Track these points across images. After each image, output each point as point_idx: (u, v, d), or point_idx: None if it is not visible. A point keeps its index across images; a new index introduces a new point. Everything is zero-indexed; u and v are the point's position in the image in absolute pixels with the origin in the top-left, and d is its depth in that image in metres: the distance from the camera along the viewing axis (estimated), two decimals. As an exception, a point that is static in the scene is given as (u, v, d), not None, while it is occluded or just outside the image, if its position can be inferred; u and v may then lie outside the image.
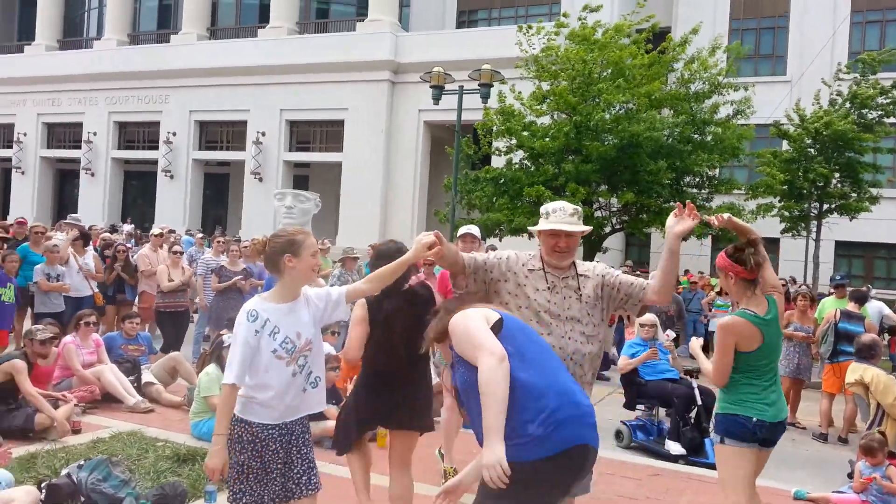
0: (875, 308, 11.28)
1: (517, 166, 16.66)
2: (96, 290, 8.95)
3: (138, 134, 29.45)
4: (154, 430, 5.98)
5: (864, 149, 17.42)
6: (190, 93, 27.15)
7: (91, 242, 10.21)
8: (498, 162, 18.24)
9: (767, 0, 26.00)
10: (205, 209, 28.77)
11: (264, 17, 27.93)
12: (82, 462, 4.36)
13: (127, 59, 28.50)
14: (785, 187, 17.65)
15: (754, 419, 3.56)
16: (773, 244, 23.54)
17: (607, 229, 16.85)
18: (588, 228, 3.60)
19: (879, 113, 17.65)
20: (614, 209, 17.09)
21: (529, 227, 3.66)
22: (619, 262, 20.73)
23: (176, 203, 27.36)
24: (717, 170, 17.81)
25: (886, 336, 10.93)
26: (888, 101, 17.41)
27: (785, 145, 19.27)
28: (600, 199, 16.49)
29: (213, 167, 29.45)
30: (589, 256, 16.25)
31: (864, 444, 5.59)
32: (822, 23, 24.49)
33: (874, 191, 17.94)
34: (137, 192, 30.67)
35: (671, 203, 16.13)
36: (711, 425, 4.02)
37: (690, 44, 16.60)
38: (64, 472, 4.38)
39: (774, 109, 20.56)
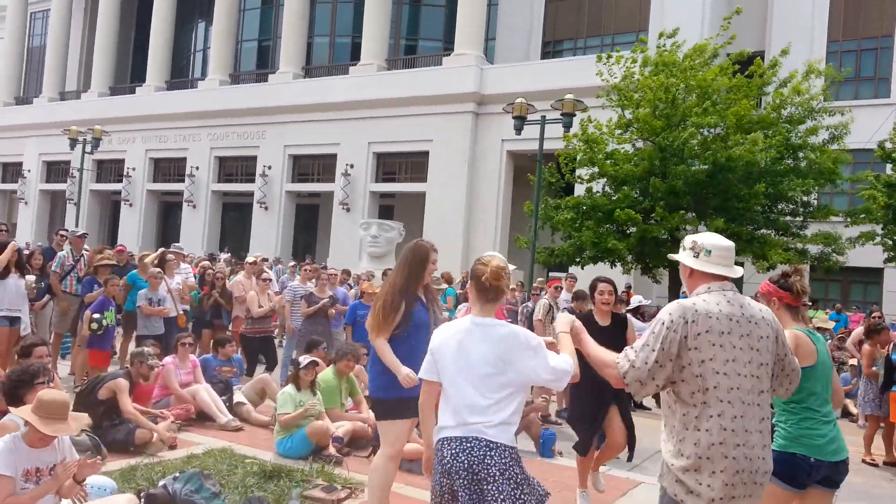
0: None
1: (599, 193, 16.57)
2: (181, 311, 9.48)
3: (236, 168, 31.09)
4: (243, 447, 6.31)
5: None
6: (285, 128, 28.52)
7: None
8: (580, 190, 18.21)
9: (869, 20, 24.96)
10: (295, 238, 29.94)
11: (356, 56, 29.07)
12: (177, 474, 4.70)
13: (228, 98, 30.27)
14: (889, 213, 16.77)
15: (812, 459, 3.40)
16: (875, 274, 22.31)
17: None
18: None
19: None
20: (702, 238, 16.67)
21: (688, 262, 2.98)
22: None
23: (269, 232, 28.63)
24: (814, 196, 17.13)
25: None
26: None
27: (888, 169, 18.35)
28: (688, 226, 16.18)
29: (304, 198, 30.66)
30: (675, 287, 15.91)
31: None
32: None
33: None
34: (234, 223, 32.24)
35: (763, 231, 15.62)
36: None
37: (781, 66, 16.15)
38: (161, 483, 4.72)
39: (875, 133, 19.65)
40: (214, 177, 31.18)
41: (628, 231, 15.74)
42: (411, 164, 26.70)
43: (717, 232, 15.20)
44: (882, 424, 8.59)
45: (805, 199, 16.52)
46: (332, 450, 6.24)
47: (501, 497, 2.83)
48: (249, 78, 32.60)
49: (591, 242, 15.65)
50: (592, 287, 5.38)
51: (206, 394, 7.12)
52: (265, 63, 32.84)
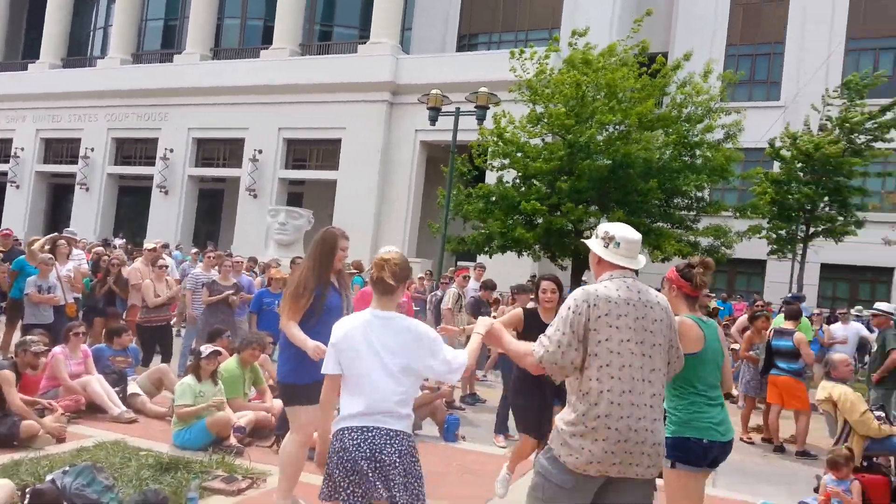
0: (854, 329, 11.52)
1: (509, 184, 16.90)
2: (71, 300, 9.04)
3: (136, 150, 29.76)
4: (137, 439, 6.09)
5: (853, 173, 17.69)
6: (189, 111, 27.51)
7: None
8: (491, 178, 18.49)
9: (764, 27, 26.45)
10: (197, 225, 29.00)
11: (267, 39, 28.36)
12: (67, 468, 4.48)
13: (129, 78, 28.92)
14: (774, 208, 17.89)
15: (704, 440, 3.60)
16: (759, 266, 23.77)
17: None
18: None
19: (868, 137, 17.95)
20: (604, 229, 17.29)
21: (598, 250, 3.15)
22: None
23: (169, 218, 27.61)
24: (707, 191, 18.06)
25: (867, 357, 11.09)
26: (875, 125, 17.72)
27: (775, 167, 19.56)
28: (591, 218, 16.72)
29: (208, 183, 29.72)
30: (578, 273, 16.46)
31: (831, 459, 5.75)
32: (817, 50, 24.91)
33: (860, 215, 18.19)
34: (131, 207, 30.89)
35: (660, 223, 16.37)
36: None
37: (683, 68, 16.91)
38: (48, 477, 4.49)
39: (765, 133, 20.88)
40: (111, 159, 29.77)
41: (535, 222, 16.13)
42: (323, 152, 26.33)
43: (618, 222, 15.98)
44: (760, 405, 9.24)
45: (699, 194, 17.38)
46: (233, 440, 6.12)
47: (399, 481, 2.96)
48: (153, 58, 31.23)
49: (499, 232, 15.95)
50: (536, 285, 5.43)
51: (98, 385, 6.83)
52: (171, 43, 31.53)
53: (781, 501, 5.80)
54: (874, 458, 6.41)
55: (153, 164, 28.32)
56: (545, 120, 16.52)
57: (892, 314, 8.16)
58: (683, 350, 3.48)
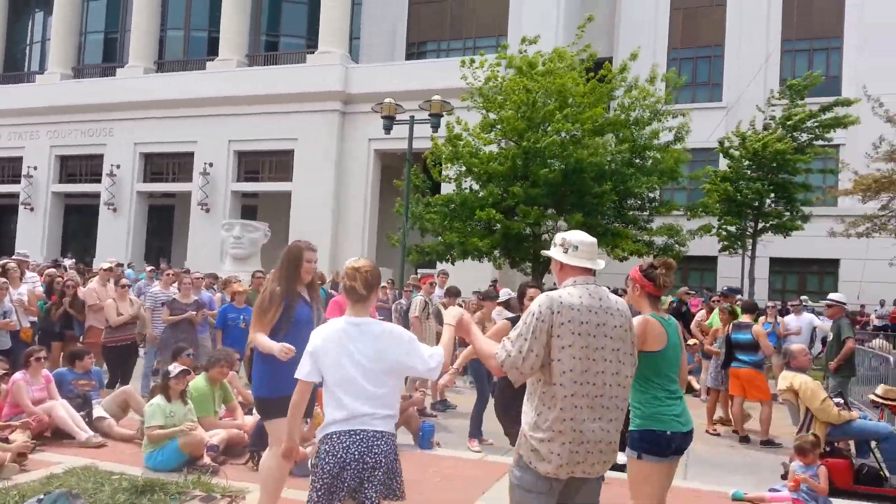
0: (806, 320, 11.94)
1: (467, 190, 17.01)
2: (27, 325, 8.78)
3: (80, 167, 28.96)
4: (108, 464, 5.94)
5: (797, 170, 18.35)
6: (135, 125, 26.91)
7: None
8: (447, 189, 18.59)
9: (704, 30, 27.25)
10: (148, 242, 28.38)
11: (213, 51, 27.98)
12: (41, 497, 4.37)
13: (70, 93, 28.15)
14: (724, 206, 18.42)
15: (668, 432, 3.74)
16: (710, 262, 24.44)
17: (555, 251, 17.28)
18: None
19: (810, 136, 18.66)
20: (561, 231, 17.54)
21: (558, 257, 3.27)
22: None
23: (118, 236, 26.93)
24: (658, 192, 18.49)
25: (820, 346, 11.50)
26: (816, 124, 18.42)
27: (723, 165, 20.15)
28: (549, 221, 16.93)
29: (158, 199, 29.10)
30: (538, 277, 16.64)
31: (798, 446, 5.96)
32: (755, 52, 25.79)
33: (806, 209, 18.87)
34: (77, 226, 30.07)
35: (615, 224, 16.70)
36: None
37: (629, 70, 17.30)
38: (21, 506, 4.38)
39: (711, 134, 21.50)
40: (55, 177, 28.91)
41: (493, 228, 16.26)
42: (275, 163, 26.05)
43: (577, 225, 16.23)
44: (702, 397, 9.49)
45: (651, 195, 17.79)
46: (206, 459, 6.03)
47: (380, 479, 3.12)
48: (94, 72, 30.50)
49: (458, 241, 16.06)
50: (522, 293, 5.47)
51: (63, 410, 6.63)
52: (112, 56, 30.82)
53: (751, 489, 5.97)
54: (836, 443, 6.67)
55: (100, 180, 27.59)
56: (498, 126, 16.69)
57: (844, 304, 8.49)
58: (647, 348, 3.71)
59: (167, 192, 28.55)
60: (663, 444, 3.74)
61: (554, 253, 3.30)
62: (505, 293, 9.61)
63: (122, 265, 15.00)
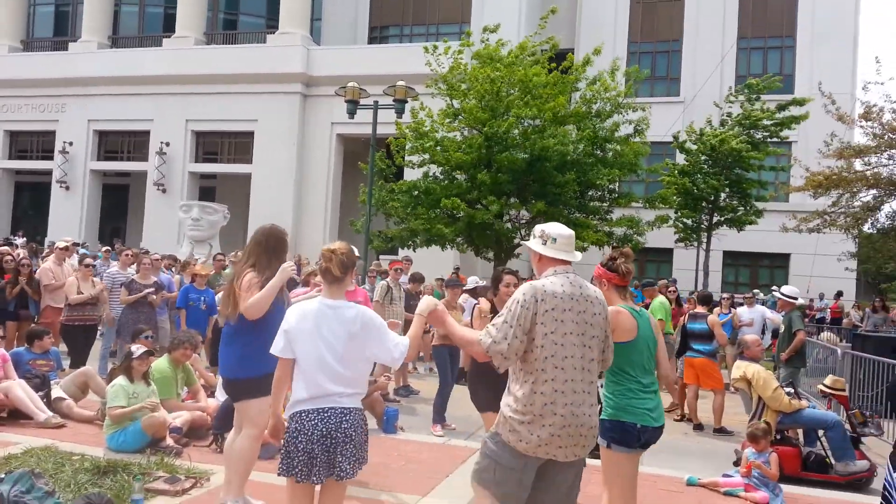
0: (759, 312, 12.33)
1: (431, 179, 17.03)
2: None
3: (31, 143, 28.04)
4: (68, 444, 5.85)
5: (751, 166, 18.85)
6: (89, 101, 26.12)
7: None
8: (411, 175, 18.57)
9: (663, 25, 27.66)
10: (102, 221, 27.64)
11: (169, 27, 27.30)
12: (2, 476, 4.28)
13: (20, 66, 27.14)
14: (679, 199, 18.84)
15: (638, 425, 3.81)
16: (667, 254, 24.98)
17: (517, 239, 17.45)
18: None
19: (765, 133, 19.17)
20: (523, 220, 17.73)
21: (537, 248, 3.36)
22: (529, 271, 21.36)
23: (71, 215, 26.17)
24: (617, 184, 18.80)
25: (770, 337, 11.89)
26: (772, 122, 18.92)
27: (680, 159, 20.58)
28: (511, 210, 17.06)
29: (113, 178, 28.38)
30: (503, 263, 16.79)
31: (751, 433, 6.19)
32: (711, 48, 26.31)
33: (760, 205, 19.41)
34: (28, 204, 29.15)
35: (577, 214, 16.94)
36: None
37: (592, 64, 17.50)
38: (-19, 486, 4.28)
39: (669, 128, 21.90)
40: (5, 153, 27.93)
41: (457, 216, 16.33)
42: (235, 144, 25.62)
43: (539, 214, 16.42)
44: (676, 386, 9.74)
45: (611, 186, 18.07)
46: (170, 441, 5.99)
47: (352, 452, 3.25)
48: (45, 45, 29.46)
49: (422, 228, 16.08)
50: (497, 278, 5.45)
51: (21, 390, 6.50)
52: (64, 30, 29.82)
53: (705, 475, 6.18)
54: (785, 432, 6.94)
55: (52, 157, 26.74)
56: (461, 115, 16.74)
57: (795, 298, 8.80)
58: (617, 338, 3.78)
59: (122, 171, 27.86)
60: (632, 437, 3.82)
61: (533, 244, 3.39)
62: (472, 281, 9.70)
63: (78, 244, 14.63)
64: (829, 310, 21.04)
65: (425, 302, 3.51)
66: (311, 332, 3.30)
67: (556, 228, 3.38)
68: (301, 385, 3.32)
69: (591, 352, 3.22)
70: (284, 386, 3.47)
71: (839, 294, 20.92)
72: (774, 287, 9.83)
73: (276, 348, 3.37)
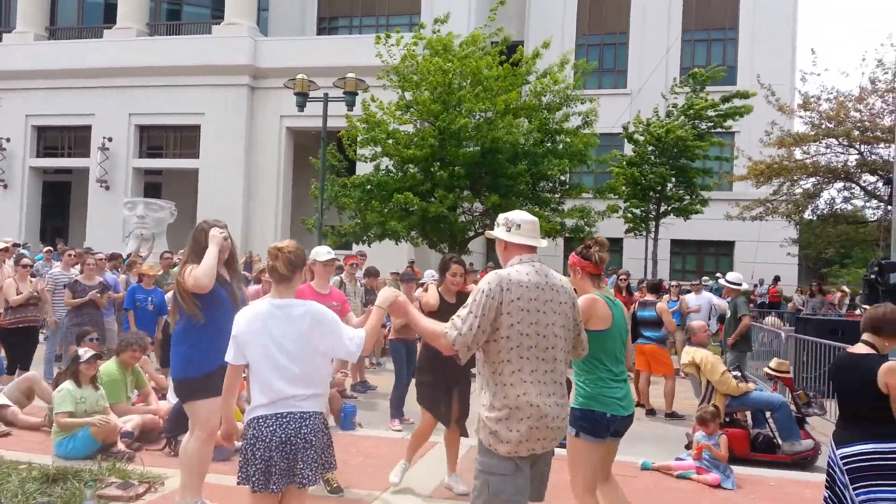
0: (706, 298, 12.65)
1: (384, 172, 16.96)
2: None
3: (-35, 140, 26.91)
4: (14, 453, 5.67)
5: (696, 155, 19.28)
6: (26, 95, 25.18)
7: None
8: (363, 168, 18.44)
9: (609, 18, 28.05)
10: (44, 220, 26.77)
11: (110, 18, 26.50)
12: (-56, 488, 4.14)
13: (-50, 59, 26.00)
14: (628, 189, 19.18)
15: (608, 415, 3.80)
16: (617, 243, 25.42)
17: (471, 232, 17.53)
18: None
19: (709, 124, 19.62)
20: (477, 213, 17.81)
21: (502, 236, 3.31)
22: (482, 263, 21.47)
23: (10, 214, 25.26)
24: (568, 175, 19.03)
25: (716, 323, 12.21)
26: (716, 113, 19.37)
27: (628, 150, 20.93)
28: (465, 203, 17.11)
29: (53, 175, 27.47)
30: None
31: (700, 416, 6.37)
32: (657, 41, 26.80)
33: (705, 194, 19.89)
34: (-36, 203, 27.97)
35: (529, 205, 17.09)
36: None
37: (542, 57, 17.64)
38: (-79, 501, 4.13)
39: (617, 119, 22.24)
40: (-65, 150, 26.72)
41: (410, 210, 16.31)
42: (181, 139, 25.04)
43: (492, 207, 16.50)
44: (630, 373, 9.95)
45: (562, 177, 18.29)
46: (121, 446, 5.85)
47: (313, 458, 3.15)
48: (-24, 37, 28.27)
49: (377, 222, 16.02)
50: (445, 266, 5.46)
51: (-40, 398, 6.26)
52: (-4, 21, 28.70)
53: (658, 459, 6.33)
54: (734, 414, 7.15)
55: (-14, 155, 25.75)
56: (414, 107, 16.69)
57: (739, 284, 9.06)
58: (592, 326, 3.77)
59: (63, 168, 26.98)
60: (602, 426, 3.79)
61: (498, 233, 3.33)
62: (428, 275, 9.70)
63: (18, 245, 14.12)
64: (767, 294, 21.71)
65: (385, 293, 3.43)
66: (260, 333, 3.22)
67: (519, 215, 3.32)
68: (257, 389, 3.23)
69: (559, 341, 3.16)
70: (234, 392, 3.41)
71: (777, 279, 21.60)
72: (718, 274, 10.12)
73: (229, 356, 3.30)
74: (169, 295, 9.60)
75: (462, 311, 3.12)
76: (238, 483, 3.19)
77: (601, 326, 3.85)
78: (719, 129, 20.21)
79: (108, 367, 6.62)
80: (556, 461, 3.42)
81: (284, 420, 3.14)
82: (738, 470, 6.11)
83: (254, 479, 3.11)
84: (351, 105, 14.94)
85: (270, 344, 3.20)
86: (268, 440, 3.11)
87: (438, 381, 5.34)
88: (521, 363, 3.05)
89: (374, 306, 3.46)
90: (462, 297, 5.31)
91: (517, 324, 3.06)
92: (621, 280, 11.94)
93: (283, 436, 3.11)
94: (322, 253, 5.46)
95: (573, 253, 4.13)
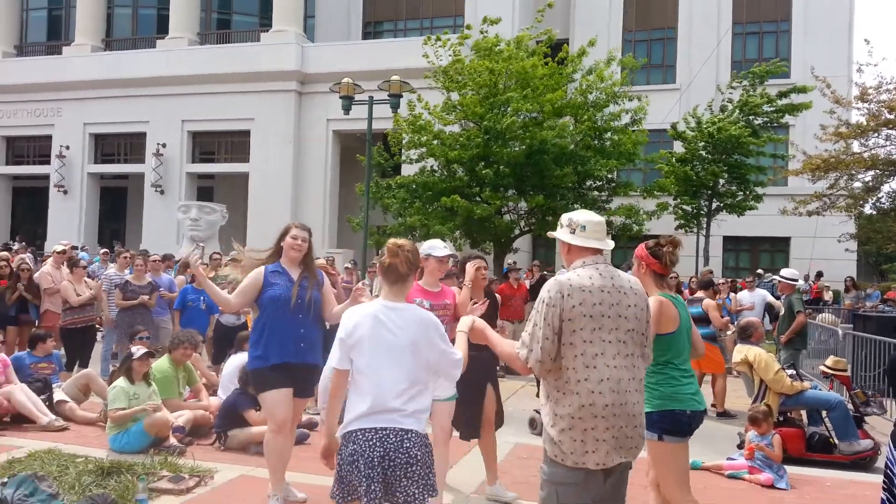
0: (759, 295, 12.32)
1: (429, 173, 17.02)
2: None
3: (28, 149, 28.05)
4: (71, 447, 5.86)
5: (750, 152, 18.78)
6: (84, 105, 26.15)
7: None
8: (409, 169, 18.53)
9: (657, 12, 27.54)
10: (101, 224, 27.71)
11: (162, 28, 27.27)
12: (6, 479, 4.29)
13: (15, 71, 27.12)
14: (678, 187, 18.79)
15: (688, 411, 3.66)
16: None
17: (516, 231, 17.44)
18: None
19: (765, 119, 19.09)
20: (522, 212, 17.71)
21: (565, 238, 3.11)
22: (528, 263, 21.32)
23: (70, 219, 26.23)
24: (615, 173, 18.77)
25: (770, 320, 11.89)
26: (772, 109, 18.83)
27: (678, 147, 20.50)
28: (510, 203, 17.05)
29: (110, 181, 28.39)
30: (500, 257, 16.77)
31: (752, 416, 6.20)
32: (706, 34, 26.19)
33: (759, 190, 19.36)
34: (27, 210, 29.15)
35: (575, 205, 16.93)
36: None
37: (588, 55, 17.46)
38: (-16, 490, 4.29)
39: (666, 115, 21.84)
40: (3, 159, 27.95)
41: (456, 211, 16.33)
42: (231, 144, 25.63)
43: (537, 207, 16.39)
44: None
45: (609, 176, 18.05)
46: (173, 440, 5.99)
47: (415, 480, 2.87)
48: (38, 50, 29.48)
49: (420, 225, 16.09)
50: (462, 265, 5.14)
51: (22, 394, 6.50)
52: (57, 34, 29.80)
53: (709, 459, 6.18)
54: (789, 413, 6.94)
55: (48, 162, 26.78)
56: (459, 108, 16.71)
57: (795, 280, 8.79)
58: (661, 329, 3.64)
59: (119, 174, 27.87)
60: (683, 424, 3.65)
61: (560, 234, 3.14)
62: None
63: (76, 248, 14.63)
64: (810, 291, 20.89)
65: (464, 320, 3.29)
66: (369, 338, 2.96)
67: (584, 216, 3.11)
68: (357, 398, 2.96)
69: (628, 347, 2.95)
70: (337, 400, 3.09)
71: (819, 274, 20.79)
72: (760, 271, 9.78)
73: (333, 360, 3.05)
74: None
75: (528, 326, 2.98)
76: (331, 497, 3.01)
77: (671, 328, 3.71)
78: (774, 125, 19.65)
79: (161, 364, 6.80)
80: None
81: (384, 434, 2.87)
82: (792, 470, 5.93)
83: (349, 496, 2.91)
84: (395, 107, 15.03)
85: (377, 350, 2.96)
86: (367, 456, 2.85)
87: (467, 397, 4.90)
88: (588, 373, 2.87)
89: (458, 331, 3.28)
90: (490, 294, 5.12)
91: (580, 330, 2.89)
92: (671, 278, 11.72)
93: (381, 451, 2.84)
94: (438, 247, 4.92)
95: (642, 245, 3.93)
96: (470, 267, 4.92)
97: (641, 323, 3.04)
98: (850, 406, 6.97)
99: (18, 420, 6.46)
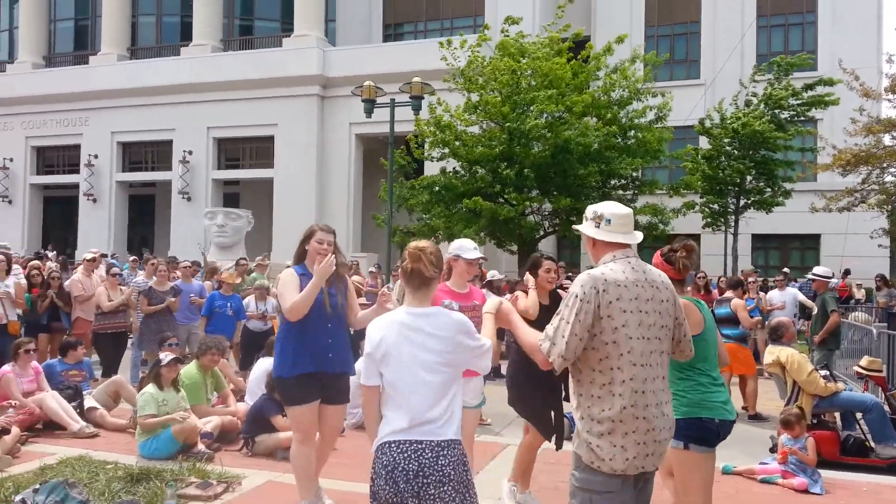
0: (790, 294, 12.10)
1: (451, 174, 17.00)
2: (14, 318, 8.66)
3: (58, 158, 28.53)
4: (102, 453, 5.94)
5: (777, 147, 18.43)
6: (111, 114, 26.51)
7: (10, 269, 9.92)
8: (431, 169, 18.52)
9: (679, 7, 27.23)
10: (130, 231, 28.08)
11: (186, 36, 27.58)
12: (38, 486, 4.35)
13: (43, 82, 27.60)
14: (704, 184, 18.54)
15: (717, 420, 3.55)
16: (694, 239, 24.58)
17: (540, 232, 17.34)
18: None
19: (791, 113, 18.72)
20: (546, 213, 17.61)
21: (590, 233, 2.96)
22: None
23: (100, 227, 26.63)
24: (640, 171, 18.57)
25: (801, 319, 11.67)
26: (799, 101, 18.46)
27: (703, 143, 20.23)
28: (533, 203, 16.98)
29: (138, 188, 28.78)
30: (524, 259, 16.69)
31: (783, 419, 6.07)
32: (730, 28, 25.85)
33: (787, 186, 19.02)
34: (57, 217, 29.66)
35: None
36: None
37: (612, 53, 17.31)
38: (17, 498, 4.34)
39: (691, 111, 21.58)
40: (32, 168, 28.45)
41: (479, 212, 16.29)
42: (256, 150, 25.84)
43: (562, 208, 16.27)
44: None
45: (634, 174, 17.87)
46: (201, 446, 6.04)
47: (451, 495, 2.73)
48: (66, 60, 29.93)
49: (443, 226, 16.07)
50: (536, 265, 4.92)
51: (54, 401, 6.60)
52: (84, 44, 30.25)
53: (740, 463, 6.07)
54: (822, 416, 6.79)
55: (78, 171, 27.21)
56: (481, 108, 16.66)
57: (829, 278, 8.61)
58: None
59: (147, 182, 28.24)
60: (712, 433, 3.53)
61: (585, 229, 2.98)
62: (491, 275, 9.64)
63: (105, 255, 14.84)
64: (837, 288, 20.44)
65: (491, 300, 3.16)
66: (398, 348, 2.81)
67: (610, 208, 2.95)
68: (391, 411, 2.85)
69: (662, 344, 2.84)
70: (372, 416, 2.96)
71: (847, 272, 20.34)
72: (786, 269, 9.56)
73: (362, 376, 2.93)
74: (247, 300, 9.90)
75: (554, 320, 2.83)
76: None
77: (695, 331, 3.56)
78: (801, 118, 19.28)
79: (189, 370, 6.85)
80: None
81: (421, 446, 2.74)
82: (827, 474, 5.80)
83: None
84: (417, 109, 15.04)
85: (407, 361, 2.81)
86: (402, 469, 2.72)
87: (536, 389, 4.80)
88: (634, 370, 2.73)
89: (484, 313, 3.16)
90: (555, 296, 4.90)
91: (622, 327, 2.74)
92: (699, 279, 11.56)
93: (416, 465, 2.72)
94: (468, 249, 4.68)
95: (658, 252, 3.86)
96: (542, 271, 4.83)
97: (673, 318, 2.93)
98: (886, 408, 6.81)
99: (50, 427, 6.55)
